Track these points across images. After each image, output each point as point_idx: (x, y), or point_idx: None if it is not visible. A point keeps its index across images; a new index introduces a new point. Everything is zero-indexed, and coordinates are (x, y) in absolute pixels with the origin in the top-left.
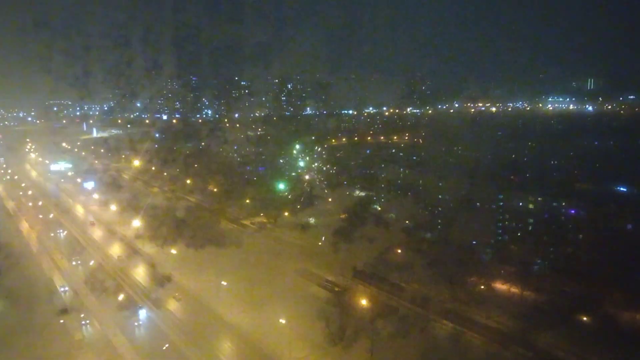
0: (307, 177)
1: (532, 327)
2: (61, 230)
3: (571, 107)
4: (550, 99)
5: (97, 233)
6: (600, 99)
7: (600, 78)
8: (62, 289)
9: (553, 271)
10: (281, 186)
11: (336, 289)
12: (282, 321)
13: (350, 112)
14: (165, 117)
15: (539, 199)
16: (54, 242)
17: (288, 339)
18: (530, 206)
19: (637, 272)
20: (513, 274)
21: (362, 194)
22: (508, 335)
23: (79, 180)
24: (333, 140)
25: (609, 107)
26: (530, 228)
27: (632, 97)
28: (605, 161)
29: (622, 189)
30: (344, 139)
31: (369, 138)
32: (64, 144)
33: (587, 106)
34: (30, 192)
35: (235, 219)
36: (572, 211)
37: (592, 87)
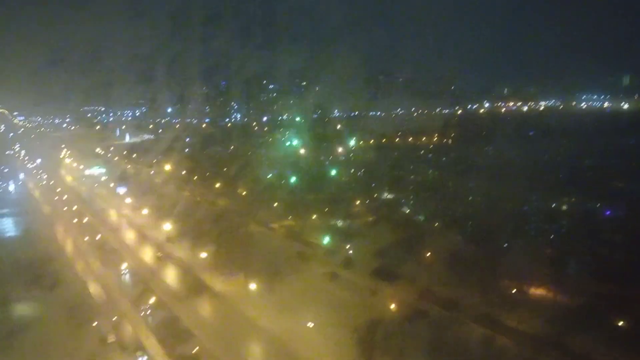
0: (334, 179)
1: (567, 331)
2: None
3: (605, 104)
4: (583, 97)
5: (130, 236)
6: (637, 96)
7: (637, 74)
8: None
9: (588, 273)
10: (309, 189)
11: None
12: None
13: (378, 113)
14: (195, 121)
15: (573, 199)
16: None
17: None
18: (564, 207)
19: None
20: (546, 277)
21: (390, 196)
22: (542, 339)
23: (112, 185)
24: (360, 142)
25: None
26: (563, 230)
27: None
28: None
29: None
30: (371, 141)
31: (397, 140)
32: (97, 150)
33: (622, 104)
34: (65, 197)
35: (263, 222)
36: (608, 212)
37: (627, 83)
